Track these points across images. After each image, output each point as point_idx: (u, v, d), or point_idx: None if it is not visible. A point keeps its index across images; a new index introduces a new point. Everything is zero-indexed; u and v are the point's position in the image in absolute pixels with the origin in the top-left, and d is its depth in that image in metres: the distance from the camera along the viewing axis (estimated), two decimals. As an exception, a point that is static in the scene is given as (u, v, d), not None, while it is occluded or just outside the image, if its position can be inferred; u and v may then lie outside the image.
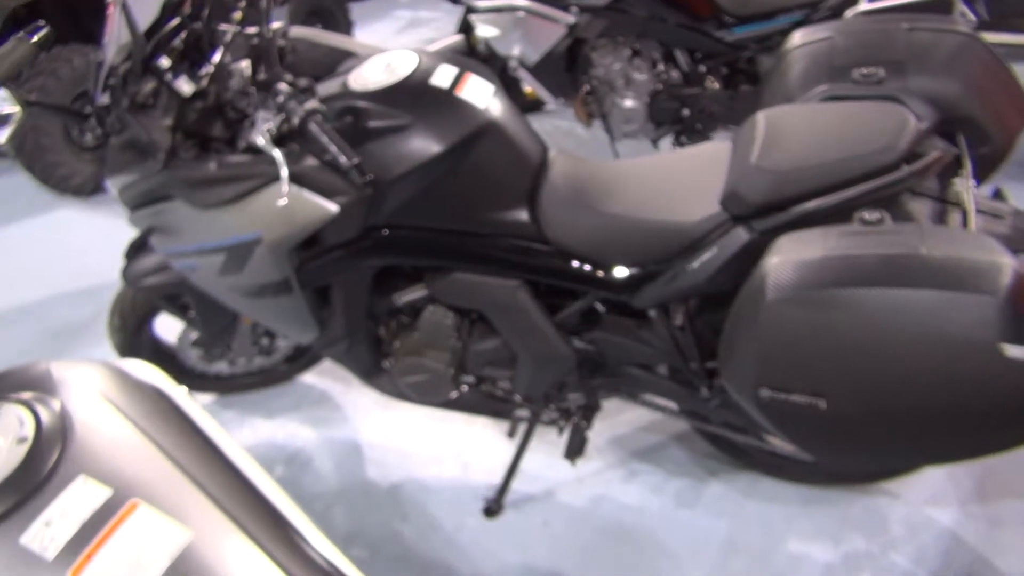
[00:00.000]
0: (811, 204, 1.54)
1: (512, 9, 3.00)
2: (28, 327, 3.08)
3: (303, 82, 1.70)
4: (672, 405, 2.02)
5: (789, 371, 1.38)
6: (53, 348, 2.96)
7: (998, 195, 1.72)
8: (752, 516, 2.07)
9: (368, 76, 1.77)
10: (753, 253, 1.59)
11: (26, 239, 3.71)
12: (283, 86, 1.68)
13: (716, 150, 1.82)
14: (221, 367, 2.50)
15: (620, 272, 1.75)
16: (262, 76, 1.80)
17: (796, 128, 1.63)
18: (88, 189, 3.96)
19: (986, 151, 1.74)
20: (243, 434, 2.48)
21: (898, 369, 1.30)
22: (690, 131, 3.34)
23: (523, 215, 1.78)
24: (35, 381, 0.93)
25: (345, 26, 5.20)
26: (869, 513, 2.03)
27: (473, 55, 3.29)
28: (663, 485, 2.18)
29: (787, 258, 1.39)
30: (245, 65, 1.89)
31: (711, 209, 1.66)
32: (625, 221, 1.73)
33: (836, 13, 3.06)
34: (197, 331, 2.29)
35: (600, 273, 1.77)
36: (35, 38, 1.64)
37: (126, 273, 2.17)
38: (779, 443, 1.98)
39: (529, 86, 3.32)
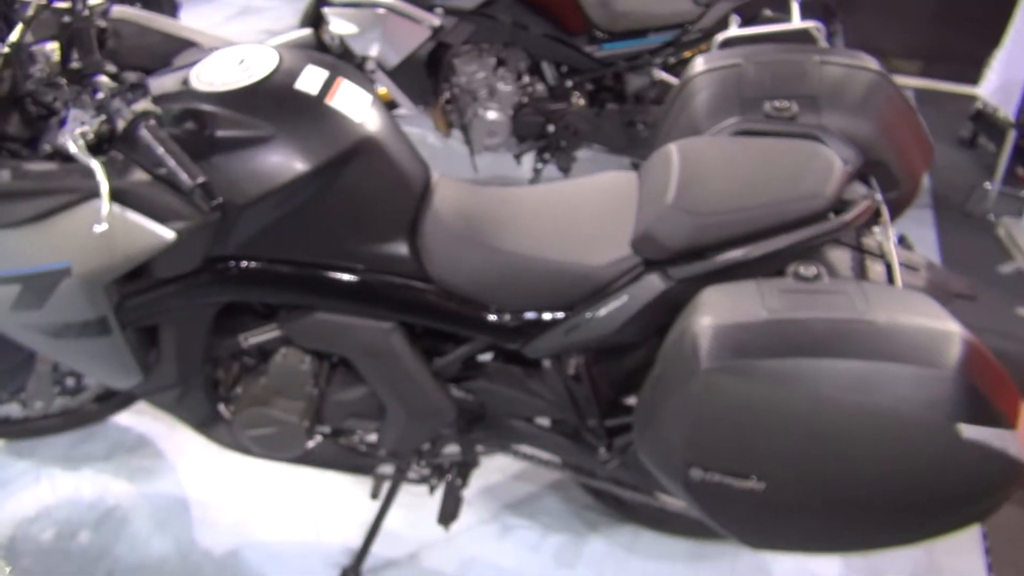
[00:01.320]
0: (736, 253, 1.37)
1: (373, 5, 2.71)
2: None
3: (131, 76, 1.36)
4: (555, 458, 1.82)
5: (725, 450, 1.20)
6: None
7: (903, 242, 1.64)
8: (636, 574, 1.91)
9: (216, 74, 1.45)
10: (669, 303, 1.42)
11: None
12: (104, 79, 1.34)
13: (620, 182, 1.63)
14: (11, 409, 2.06)
15: (512, 318, 1.53)
16: (75, 64, 1.44)
17: (714, 165, 1.47)
18: None
19: (893, 196, 1.66)
20: (40, 491, 2.06)
21: (846, 449, 1.16)
22: (554, 148, 3.18)
23: (401, 248, 1.52)
24: None
25: (169, 8, 4.68)
26: (756, 568, 1.92)
27: (324, 52, 2.96)
28: (541, 542, 1.98)
29: (722, 320, 1.21)
30: (51, 48, 1.52)
31: (619, 251, 1.47)
32: (520, 260, 1.51)
33: (706, 35, 3.00)
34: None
35: (489, 317, 1.54)
36: None
37: None
38: (671, 501, 1.82)
39: (384, 88, 3.03)
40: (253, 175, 1.39)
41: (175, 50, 1.68)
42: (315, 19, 3.12)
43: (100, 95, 1.32)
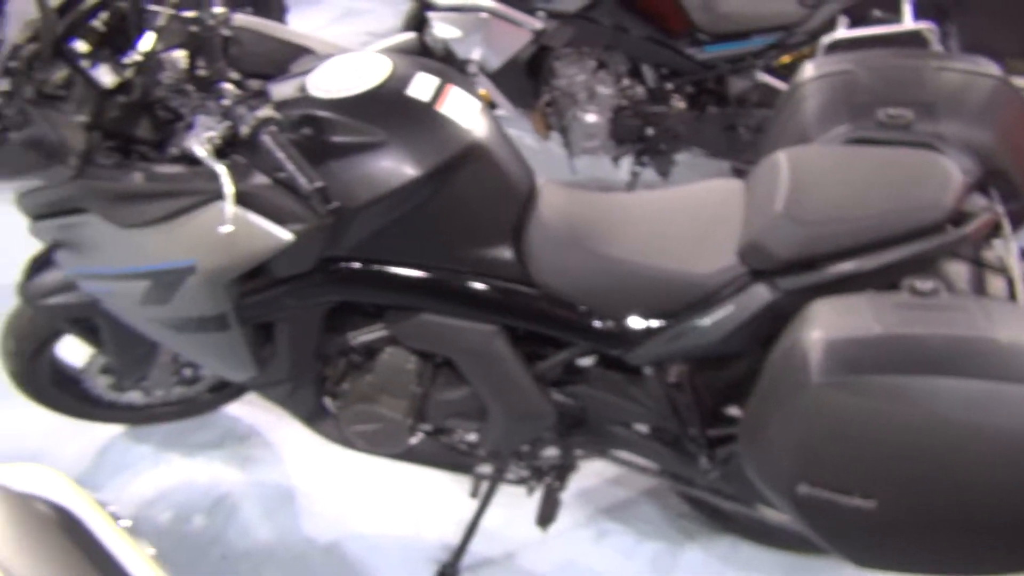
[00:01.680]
0: (848, 265, 1.35)
1: (476, 10, 2.75)
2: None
3: (254, 84, 1.42)
4: (652, 464, 1.81)
5: (835, 467, 1.18)
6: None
7: None
8: (732, 586, 1.89)
9: (332, 81, 1.51)
10: (777, 315, 1.40)
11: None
12: (229, 86, 1.41)
13: (726, 189, 1.61)
14: (134, 396, 2.18)
15: (615, 324, 1.53)
16: (202, 71, 1.51)
17: (825, 174, 1.44)
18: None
19: (1015, 207, 1.59)
20: (158, 475, 2.17)
21: (962, 470, 1.12)
22: (653, 151, 3.15)
23: (507, 253, 1.55)
24: None
25: (278, 12, 4.84)
26: (857, 585, 1.87)
27: (427, 55, 3.02)
28: (636, 549, 1.97)
29: (834, 334, 1.19)
30: (179, 56, 1.59)
31: (726, 260, 1.46)
32: (626, 266, 1.51)
33: (813, 37, 2.92)
34: (108, 358, 1.97)
35: (593, 323, 1.55)
36: None
37: (25, 290, 1.84)
38: (772, 513, 1.80)
39: (484, 89, 3.07)
40: (366, 180, 1.44)
41: (291, 56, 1.74)
42: (418, 23, 3.18)
43: (226, 102, 1.38)
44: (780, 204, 1.40)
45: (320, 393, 1.80)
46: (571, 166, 3.27)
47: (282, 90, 1.55)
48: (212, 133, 1.39)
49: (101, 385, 2.11)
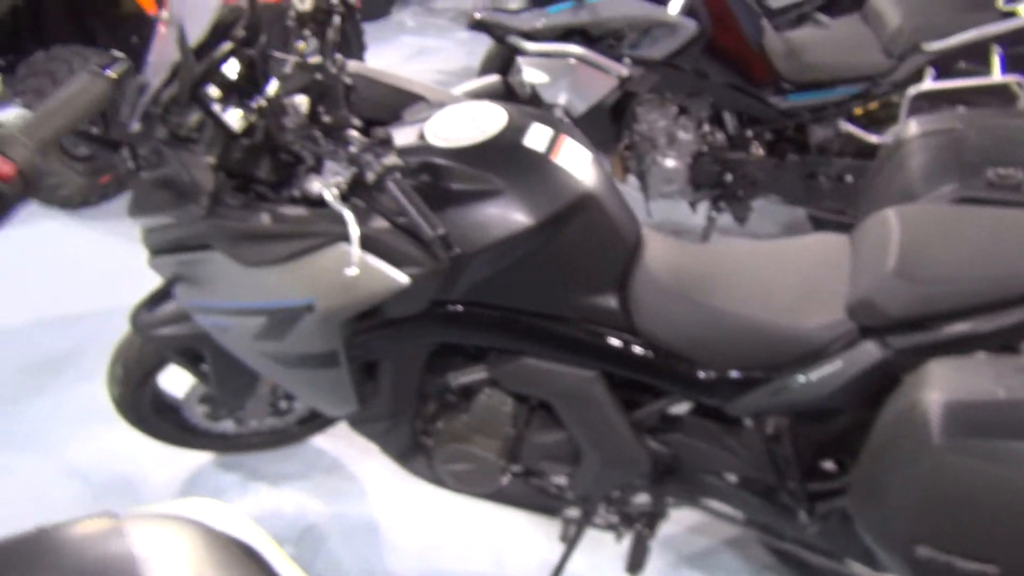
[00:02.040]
0: (963, 326, 1.35)
1: (565, 56, 2.81)
2: (1, 356, 2.79)
3: (379, 132, 1.47)
4: (740, 514, 1.80)
5: (956, 530, 1.18)
6: (30, 384, 2.67)
7: None
8: (820, 643, 1.86)
9: (449, 129, 1.56)
10: (886, 372, 1.40)
11: (4, 251, 3.41)
12: (355, 133, 1.46)
13: (829, 245, 1.62)
14: (227, 426, 2.24)
15: (717, 375, 1.54)
16: (325, 118, 1.58)
17: (937, 234, 1.45)
18: (77, 202, 3.68)
19: None
20: (246, 504, 2.22)
21: None
22: (731, 197, 3.17)
23: (612, 301, 1.57)
24: (106, 552, 0.69)
25: (358, 51, 4.98)
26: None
27: (511, 98, 3.08)
28: (720, 599, 1.96)
29: (956, 396, 1.19)
30: (300, 102, 1.67)
31: (833, 315, 1.46)
32: (732, 319, 1.53)
33: (898, 88, 2.92)
34: (210, 389, 2.03)
35: (695, 373, 1.56)
36: (112, 72, 1.39)
37: (137, 320, 1.91)
38: (865, 571, 1.77)
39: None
40: (483, 226, 1.48)
41: (403, 103, 1.80)
42: (501, 65, 3.26)
43: (352, 148, 1.44)
44: (892, 262, 1.41)
45: (415, 431, 1.84)
46: (647, 209, 3.30)
47: (399, 137, 1.61)
48: (339, 178, 1.45)
49: (198, 414, 2.18)
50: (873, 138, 2.99)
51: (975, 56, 2.87)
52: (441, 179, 1.50)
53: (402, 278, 1.49)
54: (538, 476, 1.87)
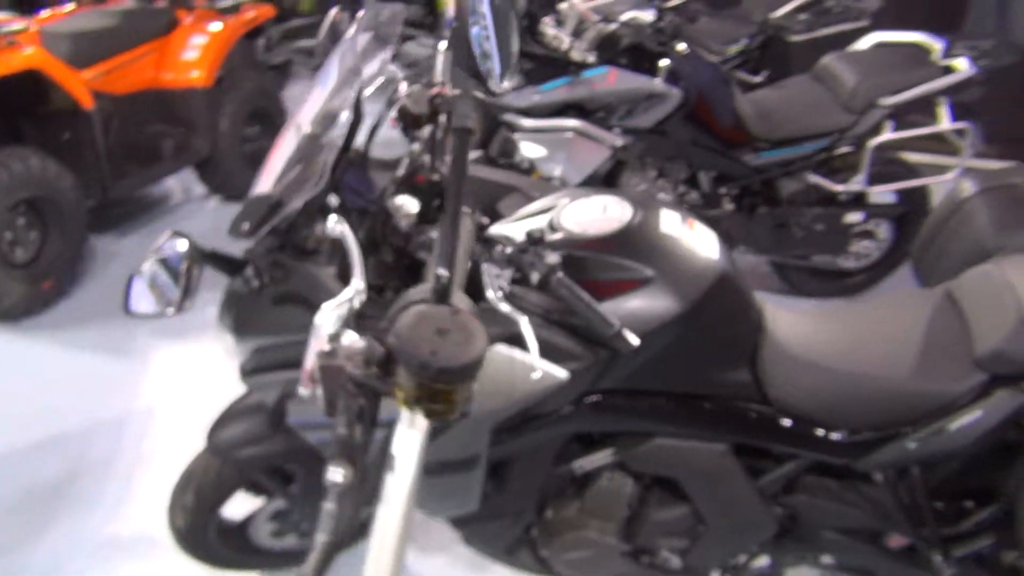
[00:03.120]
0: None
1: (562, 130, 2.87)
2: (-11, 492, 2.52)
3: (533, 231, 1.46)
4: (862, 566, 1.86)
5: None
6: (32, 519, 2.42)
7: None
8: None
9: (582, 220, 1.57)
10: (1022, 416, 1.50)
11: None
12: (509, 234, 1.45)
13: (926, 300, 1.73)
14: (291, 541, 2.11)
15: (853, 435, 1.60)
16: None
17: None
18: (20, 311, 3.39)
19: None
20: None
21: None
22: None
23: (745, 374, 1.61)
24: None
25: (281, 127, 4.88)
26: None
27: (513, 168, 3.11)
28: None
29: None
30: (405, 202, 1.63)
31: (962, 368, 1.56)
32: (862, 381, 1.59)
33: (861, 140, 3.15)
34: (294, 507, 1.92)
35: (828, 436, 1.61)
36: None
37: (216, 442, 1.79)
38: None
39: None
40: (639, 316, 1.49)
41: (496, 195, 1.79)
42: (483, 140, 3.29)
43: (508, 250, 1.42)
44: (1018, 312, 1.51)
45: (527, 524, 1.80)
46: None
47: (517, 229, 1.60)
48: (502, 281, 1.42)
49: (264, 533, 2.05)
50: (839, 187, 3.20)
51: (925, 108, 3.14)
52: (590, 271, 1.50)
53: (561, 374, 1.47)
54: (649, 553, 1.87)
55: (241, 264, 1.52)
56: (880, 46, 3.33)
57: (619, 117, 2.93)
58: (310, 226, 1.48)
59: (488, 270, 1.43)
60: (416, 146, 1.62)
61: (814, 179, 3.22)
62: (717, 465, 1.66)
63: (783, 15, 4.40)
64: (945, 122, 3.10)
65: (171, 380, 3.09)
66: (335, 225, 1.41)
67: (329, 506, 1.09)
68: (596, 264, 1.50)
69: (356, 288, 1.30)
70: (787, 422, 1.62)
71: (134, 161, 4.06)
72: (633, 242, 1.53)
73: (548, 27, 2.92)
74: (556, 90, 2.86)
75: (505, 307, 1.39)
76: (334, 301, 1.27)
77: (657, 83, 2.89)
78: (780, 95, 3.28)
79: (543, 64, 2.86)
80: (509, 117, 2.90)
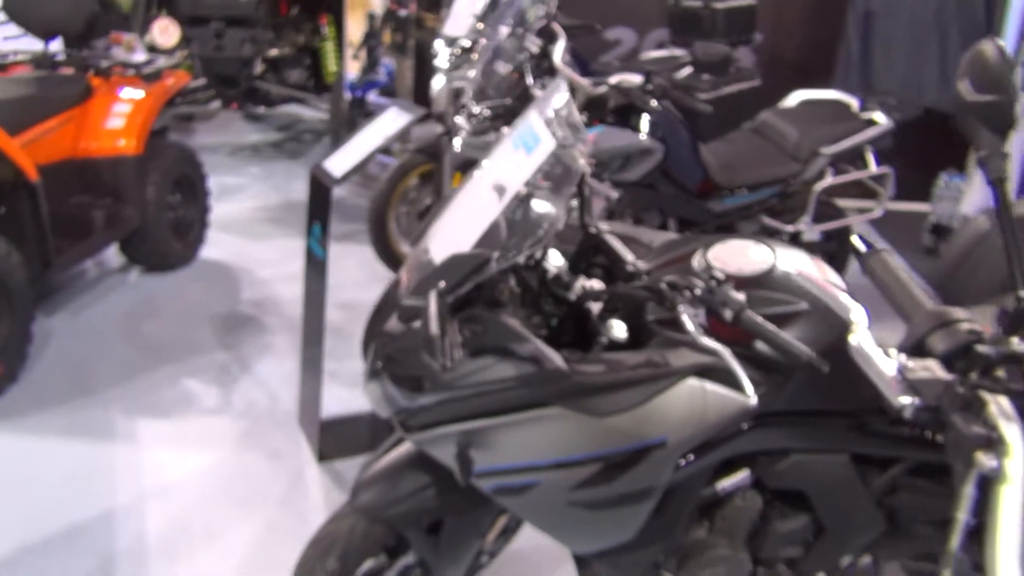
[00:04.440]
0: None
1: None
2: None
3: (718, 273, 1.61)
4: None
5: None
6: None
7: None
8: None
9: (729, 261, 1.74)
10: None
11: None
12: (694, 278, 1.60)
13: None
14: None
15: None
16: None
17: None
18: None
19: None
20: None
21: None
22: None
23: (869, 386, 1.82)
24: None
25: (203, 195, 4.77)
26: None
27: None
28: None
29: None
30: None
31: None
32: None
33: (807, 184, 3.54)
34: (433, 562, 1.94)
35: (936, 438, 1.85)
36: None
37: (366, 501, 1.80)
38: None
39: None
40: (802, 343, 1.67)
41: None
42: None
43: (697, 292, 1.57)
44: None
45: (666, 549, 1.91)
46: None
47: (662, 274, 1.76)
48: (699, 320, 1.57)
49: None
50: (789, 228, 3.58)
51: (855, 156, 3.59)
52: (754, 307, 1.67)
53: (753, 401, 1.62)
54: (766, 565, 2.03)
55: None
56: (806, 103, 3.77)
57: (612, 171, 3.16)
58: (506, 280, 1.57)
59: (686, 309, 1.58)
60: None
61: (767, 221, 3.58)
62: (840, 475, 1.86)
63: (687, 77, 4.83)
64: (872, 167, 3.55)
65: (162, 455, 2.95)
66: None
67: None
68: (757, 300, 1.68)
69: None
70: (904, 430, 1.84)
71: (68, 236, 3.83)
72: (785, 279, 1.72)
73: (536, 92, 3.11)
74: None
75: (708, 341, 1.53)
76: None
77: (644, 139, 3.15)
78: (731, 148, 3.63)
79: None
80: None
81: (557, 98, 1.68)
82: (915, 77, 5.02)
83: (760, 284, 1.70)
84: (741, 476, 1.86)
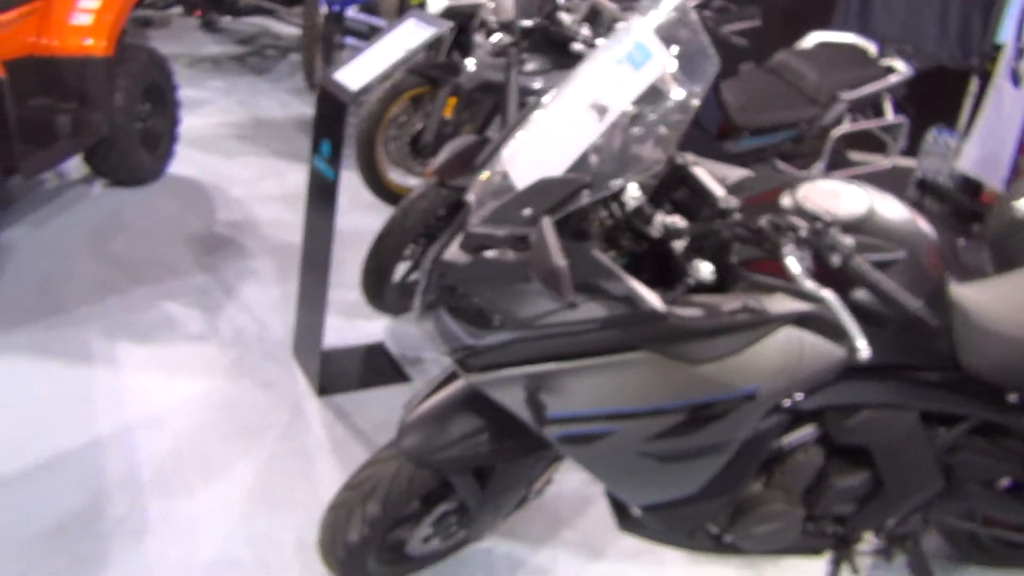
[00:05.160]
0: None
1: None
2: (6, 531, 2.12)
3: (824, 215, 1.48)
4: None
5: None
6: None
7: None
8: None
9: (820, 203, 1.62)
10: None
11: None
12: (796, 220, 1.48)
13: None
14: (433, 545, 1.99)
15: None
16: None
17: None
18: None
19: None
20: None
21: None
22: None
23: (943, 342, 1.75)
24: None
25: (173, 105, 4.45)
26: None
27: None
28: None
29: None
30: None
31: None
32: None
33: (824, 131, 3.44)
34: (477, 508, 1.82)
35: (1007, 397, 1.79)
36: None
37: (414, 444, 1.67)
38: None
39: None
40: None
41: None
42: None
43: (803, 234, 1.45)
44: None
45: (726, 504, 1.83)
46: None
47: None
48: (807, 264, 1.45)
49: (418, 540, 1.92)
50: (802, 174, 3.48)
51: (874, 102, 3.50)
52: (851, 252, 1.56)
53: (862, 354, 1.51)
54: (814, 520, 1.97)
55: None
56: (824, 45, 3.65)
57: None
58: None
59: (792, 251, 1.45)
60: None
61: (781, 166, 3.48)
62: (908, 432, 1.79)
63: (717, 6, 4.65)
64: (890, 116, 3.47)
65: (146, 381, 2.75)
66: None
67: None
68: (861, 246, 1.56)
69: None
70: (974, 386, 1.77)
71: (31, 141, 3.51)
72: (884, 224, 1.61)
73: (564, 14, 2.91)
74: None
75: (812, 285, 1.41)
76: None
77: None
78: (748, 88, 3.50)
79: (566, 50, 2.86)
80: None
81: (669, 9, 1.52)
82: (914, 27, 4.92)
83: (856, 229, 1.59)
84: (807, 430, 1.78)
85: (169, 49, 6.63)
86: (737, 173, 1.81)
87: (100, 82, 3.79)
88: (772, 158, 3.45)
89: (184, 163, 4.52)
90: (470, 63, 3.04)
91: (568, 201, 1.41)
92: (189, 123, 4.95)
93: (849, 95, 3.39)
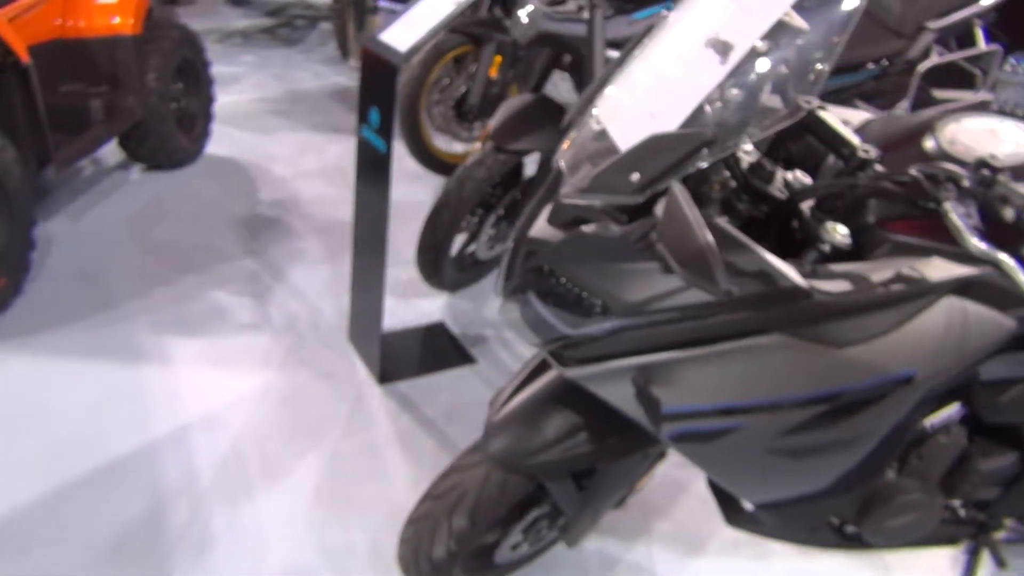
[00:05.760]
0: None
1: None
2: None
3: (984, 159, 1.24)
4: None
5: None
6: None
7: None
8: None
9: (975, 145, 1.37)
10: None
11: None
12: (955, 168, 1.23)
13: None
14: (522, 551, 1.81)
15: None
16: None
17: None
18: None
19: None
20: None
21: None
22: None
23: None
24: None
25: (207, 83, 4.26)
26: None
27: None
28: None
29: None
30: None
31: None
32: None
33: (911, 65, 3.14)
34: (580, 513, 1.63)
35: None
36: None
37: (502, 450, 1.48)
38: None
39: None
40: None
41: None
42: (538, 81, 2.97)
43: (967, 185, 1.21)
44: None
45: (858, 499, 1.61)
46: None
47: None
48: (974, 221, 1.21)
49: (507, 547, 1.73)
50: (883, 114, 3.19)
51: (963, 31, 3.18)
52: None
53: (1009, 323, 1.29)
54: (952, 508, 1.75)
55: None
56: (903, -31, 3.32)
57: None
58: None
59: (955, 208, 1.21)
60: None
61: (861, 106, 3.19)
62: (1066, 404, 1.55)
63: None
64: (981, 44, 3.15)
65: (200, 378, 2.59)
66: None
67: None
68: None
69: None
70: None
71: (64, 129, 3.35)
72: (1053, 167, 1.35)
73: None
74: (649, 19, 2.60)
75: (984, 245, 1.17)
76: None
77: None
78: (823, 22, 3.19)
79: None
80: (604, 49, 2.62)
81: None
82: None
83: (1021, 175, 1.33)
84: (953, 410, 1.55)
85: (197, 25, 6.44)
86: (861, 116, 1.57)
87: (131, 62, 3.61)
88: (853, 99, 3.16)
89: (221, 142, 4.34)
90: (522, 14, 2.79)
91: (687, 162, 1.19)
92: (223, 100, 4.77)
93: (937, 24, 3.08)
